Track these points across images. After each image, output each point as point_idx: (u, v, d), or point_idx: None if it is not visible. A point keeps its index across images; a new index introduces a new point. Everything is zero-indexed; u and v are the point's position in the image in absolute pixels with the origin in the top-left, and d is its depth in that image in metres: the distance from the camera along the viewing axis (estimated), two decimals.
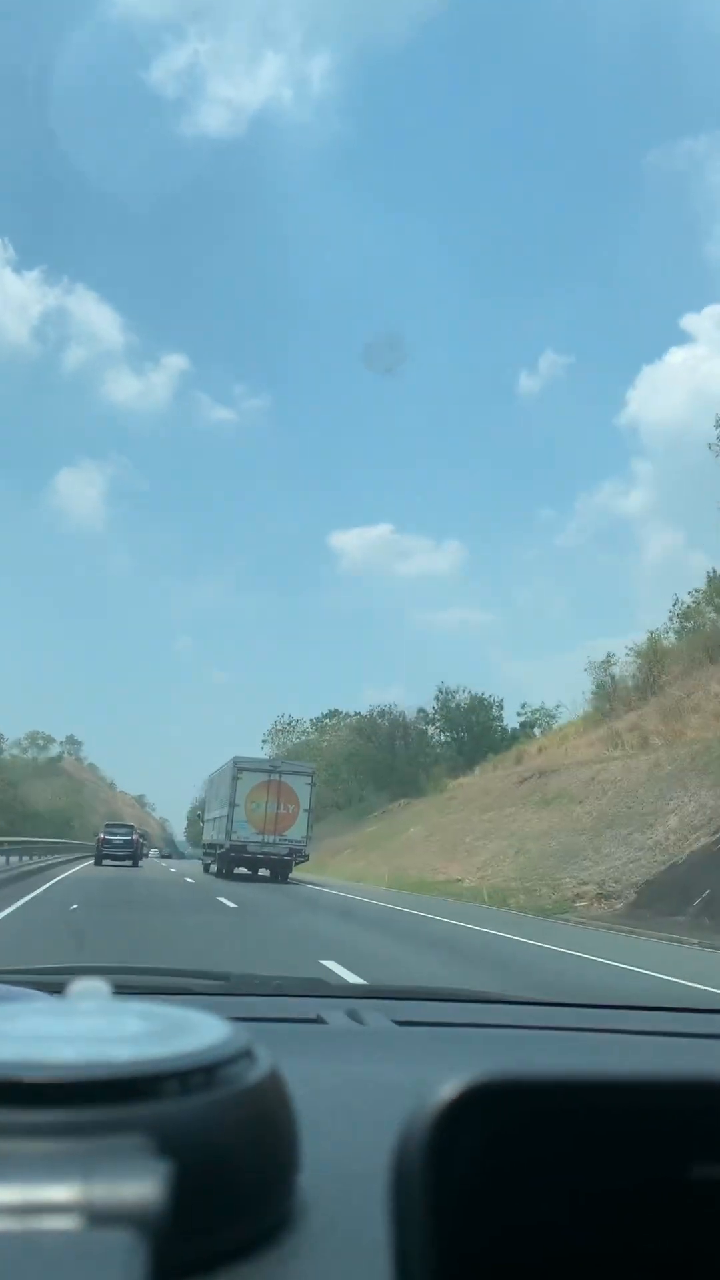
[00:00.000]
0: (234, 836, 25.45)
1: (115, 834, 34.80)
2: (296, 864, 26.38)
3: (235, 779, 26.31)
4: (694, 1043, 1.41)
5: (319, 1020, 1.34)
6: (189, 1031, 0.49)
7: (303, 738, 76.19)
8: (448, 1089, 0.40)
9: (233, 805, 25.82)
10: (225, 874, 25.99)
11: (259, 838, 25.45)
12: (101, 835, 34.99)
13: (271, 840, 25.46)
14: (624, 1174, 0.40)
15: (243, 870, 25.77)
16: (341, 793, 56.12)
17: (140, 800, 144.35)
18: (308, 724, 78.84)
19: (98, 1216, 0.38)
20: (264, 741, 77.64)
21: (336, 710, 74.72)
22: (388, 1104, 0.70)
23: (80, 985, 0.58)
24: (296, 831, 26.06)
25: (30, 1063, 0.43)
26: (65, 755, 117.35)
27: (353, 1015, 1.38)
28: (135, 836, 35.02)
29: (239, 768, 26.67)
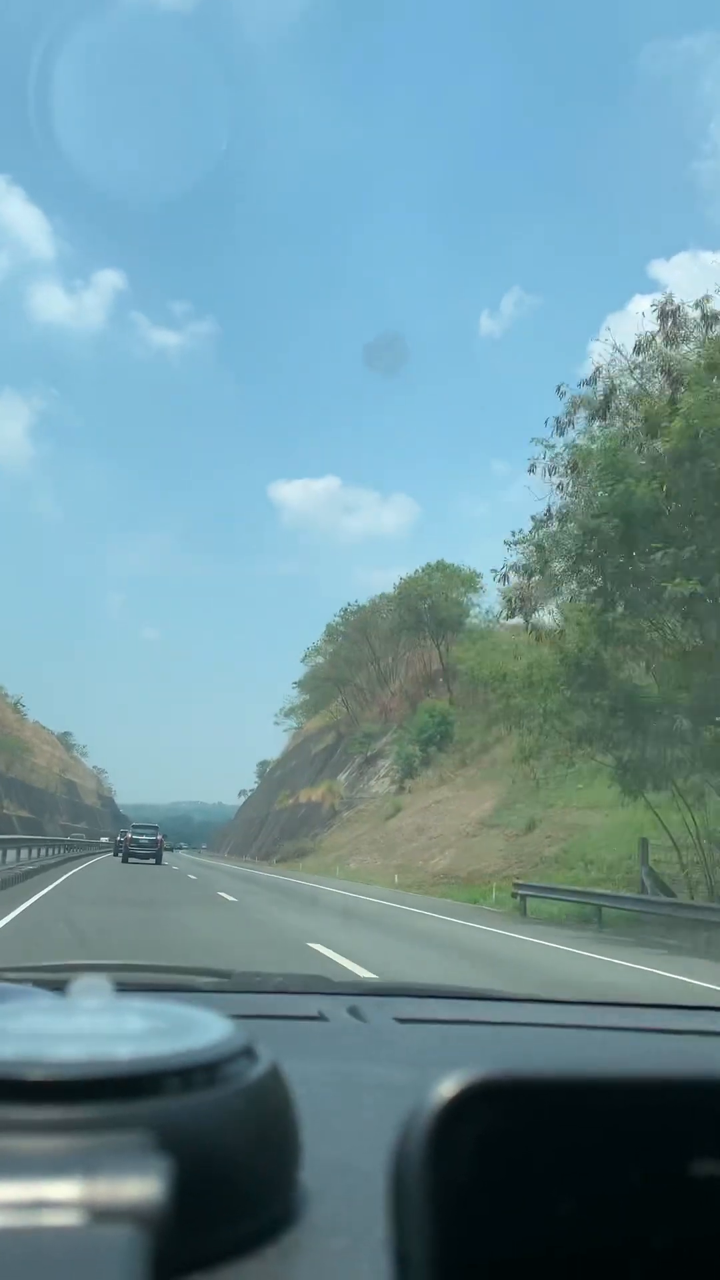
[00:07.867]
0: None
1: (141, 834, 39.50)
2: None
3: None
4: (694, 1040, 1.41)
5: (320, 1017, 1.34)
6: (191, 1029, 0.49)
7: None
8: (448, 1087, 0.40)
9: None
10: None
11: None
12: (129, 835, 39.69)
13: None
14: (624, 1172, 0.41)
15: None
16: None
17: (65, 740, 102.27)
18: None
19: (99, 1213, 0.38)
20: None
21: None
22: (389, 1101, 0.70)
23: (82, 983, 0.58)
24: None
25: (32, 1060, 0.44)
26: None
27: (354, 1012, 1.38)
28: (159, 837, 39.51)
29: None
